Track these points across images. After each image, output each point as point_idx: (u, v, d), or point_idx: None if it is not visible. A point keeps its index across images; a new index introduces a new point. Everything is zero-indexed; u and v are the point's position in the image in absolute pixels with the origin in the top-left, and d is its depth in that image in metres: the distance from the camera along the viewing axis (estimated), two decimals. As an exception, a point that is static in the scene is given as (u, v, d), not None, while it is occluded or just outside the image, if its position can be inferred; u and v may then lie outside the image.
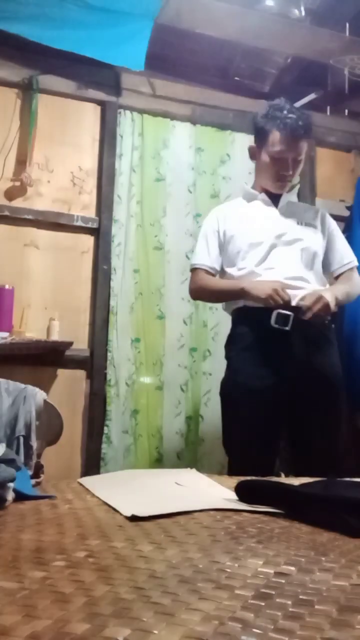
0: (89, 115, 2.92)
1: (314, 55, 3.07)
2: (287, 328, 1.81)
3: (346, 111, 3.59)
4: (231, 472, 1.78)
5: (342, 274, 2.05)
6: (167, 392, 2.88)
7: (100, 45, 2.69)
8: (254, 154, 2.04)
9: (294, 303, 1.84)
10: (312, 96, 3.54)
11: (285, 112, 1.92)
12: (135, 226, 2.92)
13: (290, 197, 2.06)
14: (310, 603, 0.58)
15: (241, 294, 1.89)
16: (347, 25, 3.17)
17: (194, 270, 2.07)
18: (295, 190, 2.25)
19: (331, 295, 1.85)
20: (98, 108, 2.93)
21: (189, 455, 2.84)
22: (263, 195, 2.04)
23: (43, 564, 0.70)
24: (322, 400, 1.88)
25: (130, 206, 2.91)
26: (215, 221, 2.06)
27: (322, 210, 2.17)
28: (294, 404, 1.90)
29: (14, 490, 1.09)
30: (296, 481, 1.29)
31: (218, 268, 2.05)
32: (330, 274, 2.07)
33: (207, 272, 2.03)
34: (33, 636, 0.49)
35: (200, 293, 2.09)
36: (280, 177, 1.96)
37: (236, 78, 3.67)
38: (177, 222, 2.97)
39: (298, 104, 3.53)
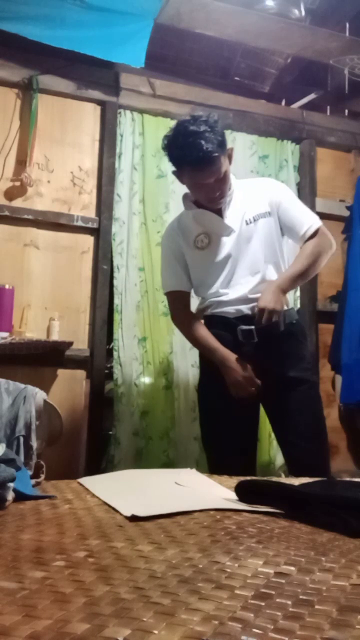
0: (89, 115, 2.91)
1: (314, 55, 3.07)
2: (254, 341, 1.85)
3: (346, 111, 3.60)
4: (211, 470, 1.80)
5: (306, 241, 1.95)
6: (179, 394, 2.81)
7: (100, 44, 2.69)
8: (178, 178, 1.96)
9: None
10: (312, 96, 3.55)
11: (190, 139, 1.78)
12: (139, 224, 2.90)
13: (230, 200, 1.97)
14: (310, 603, 0.58)
15: (219, 367, 1.90)
16: (347, 25, 3.18)
17: (170, 293, 2.06)
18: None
19: (274, 295, 1.82)
20: (98, 108, 2.92)
21: (204, 461, 2.79)
22: (205, 214, 1.98)
23: (43, 564, 0.70)
24: (294, 392, 1.91)
25: (132, 204, 2.90)
26: (174, 244, 2.04)
27: (268, 186, 2.06)
28: (268, 401, 1.94)
29: (14, 490, 1.09)
30: (296, 481, 1.29)
31: (190, 290, 2.05)
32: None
33: (184, 295, 2.04)
34: (33, 636, 0.49)
35: (182, 331, 2.07)
36: (211, 200, 1.92)
37: (236, 78, 3.68)
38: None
39: (298, 104, 3.55)
